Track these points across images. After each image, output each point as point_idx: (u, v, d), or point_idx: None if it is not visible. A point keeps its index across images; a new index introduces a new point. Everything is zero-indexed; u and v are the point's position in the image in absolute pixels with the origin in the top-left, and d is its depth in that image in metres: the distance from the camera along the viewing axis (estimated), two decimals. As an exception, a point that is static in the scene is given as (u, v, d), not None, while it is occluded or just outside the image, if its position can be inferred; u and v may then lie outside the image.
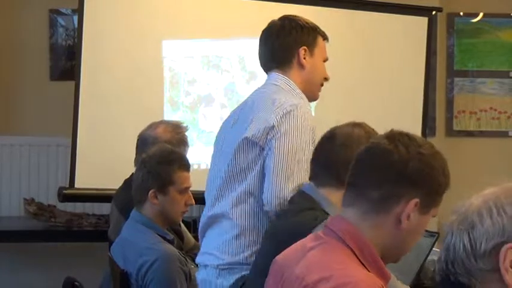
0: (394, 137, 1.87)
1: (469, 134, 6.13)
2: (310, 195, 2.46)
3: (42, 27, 5.69)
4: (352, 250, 1.83)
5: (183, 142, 3.76)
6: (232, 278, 2.68)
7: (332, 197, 2.37)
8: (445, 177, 1.89)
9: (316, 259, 1.85)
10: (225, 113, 3.75)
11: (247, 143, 2.55)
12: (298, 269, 1.86)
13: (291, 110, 2.60)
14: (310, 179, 2.53)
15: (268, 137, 2.57)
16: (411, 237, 1.98)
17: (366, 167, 1.93)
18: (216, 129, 3.41)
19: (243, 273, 2.63)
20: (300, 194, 2.58)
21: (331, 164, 2.40)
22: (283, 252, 2.02)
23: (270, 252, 2.33)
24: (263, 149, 2.59)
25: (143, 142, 3.66)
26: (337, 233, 1.85)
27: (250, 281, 2.55)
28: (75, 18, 5.10)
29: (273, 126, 2.58)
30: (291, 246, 2.00)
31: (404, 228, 1.84)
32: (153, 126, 3.77)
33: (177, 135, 3.75)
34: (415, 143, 1.83)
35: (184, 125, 3.96)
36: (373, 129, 2.40)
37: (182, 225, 3.84)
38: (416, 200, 1.80)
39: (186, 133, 3.89)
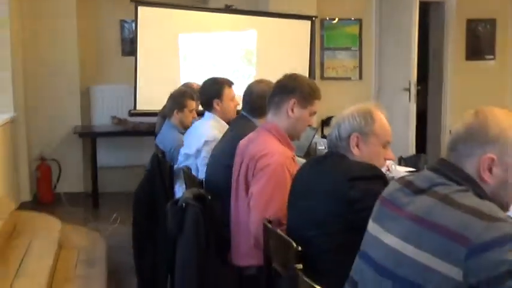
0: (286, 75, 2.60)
1: (332, 78, 7.84)
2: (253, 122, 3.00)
3: (116, 29, 7.21)
4: (274, 136, 2.58)
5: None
6: None
7: (261, 121, 2.89)
8: (312, 89, 2.65)
9: (259, 141, 2.61)
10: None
11: None
12: (250, 148, 2.62)
13: None
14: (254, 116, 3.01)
15: None
16: (299, 123, 2.64)
17: (271, 97, 2.67)
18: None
19: None
20: (246, 122, 3.07)
21: (256, 108, 2.98)
22: (241, 140, 2.77)
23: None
24: None
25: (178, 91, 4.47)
26: (266, 127, 2.67)
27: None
28: (133, 24, 6.40)
29: None
30: (245, 137, 2.73)
31: (292, 117, 2.58)
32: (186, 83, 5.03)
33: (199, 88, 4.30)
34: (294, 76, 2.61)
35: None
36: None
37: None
38: (294, 99, 2.54)
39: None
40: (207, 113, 3.78)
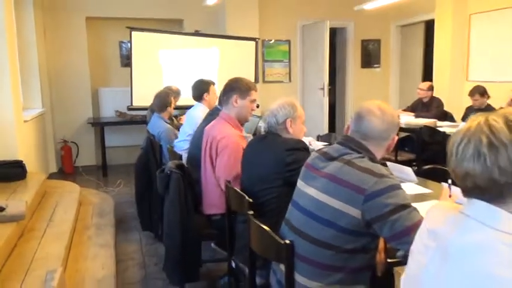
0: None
1: (271, 82, 7.67)
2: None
3: (115, 47, 7.06)
4: (228, 122, 2.62)
5: (180, 92, 4.90)
6: None
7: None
8: (248, 84, 2.64)
9: (218, 127, 2.62)
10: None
11: None
12: (212, 132, 2.63)
13: None
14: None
15: None
16: (243, 110, 2.63)
17: (221, 96, 2.68)
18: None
19: None
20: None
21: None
22: (207, 126, 2.73)
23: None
24: None
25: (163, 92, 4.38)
26: (222, 116, 2.66)
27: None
28: (129, 44, 6.16)
29: None
30: (208, 124, 2.71)
31: (237, 106, 2.61)
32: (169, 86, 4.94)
33: (177, 89, 4.87)
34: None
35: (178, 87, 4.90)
36: None
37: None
38: (236, 94, 2.60)
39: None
40: (197, 103, 3.85)
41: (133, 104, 6.23)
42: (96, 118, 6.82)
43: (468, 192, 0.95)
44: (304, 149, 2.08)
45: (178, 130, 3.96)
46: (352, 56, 8.26)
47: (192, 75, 6.00)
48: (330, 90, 7.73)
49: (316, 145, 3.53)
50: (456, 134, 0.96)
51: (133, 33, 6.09)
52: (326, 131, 7.33)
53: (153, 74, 6.33)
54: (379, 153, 1.62)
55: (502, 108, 4.70)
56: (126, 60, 6.86)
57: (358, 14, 7.44)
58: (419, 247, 1.04)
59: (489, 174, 0.89)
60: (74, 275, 2.88)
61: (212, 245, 3.11)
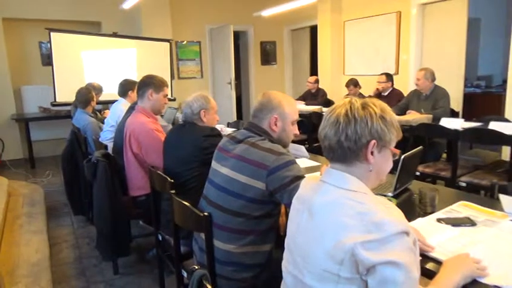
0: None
1: (185, 78, 7.41)
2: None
3: (36, 48, 6.36)
4: (144, 114, 2.55)
5: (101, 88, 4.67)
6: None
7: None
8: (161, 81, 2.54)
9: (136, 119, 2.53)
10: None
11: None
12: (131, 123, 2.50)
13: None
14: None
15: None
16: (157, 103, 2.57)
17: (138, 91, 2.56)
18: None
19: None
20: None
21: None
22: (127, 119, 2.61)
23: None
24: None
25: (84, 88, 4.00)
26: (137, 110, 2.56)
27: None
28: (48, 44, 5.64)
29: None
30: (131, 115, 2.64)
31: (152, 100, 2.52)
32: (91, 83, 4.61)
33: (99, 86, 4.63)
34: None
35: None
36: None
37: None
38: (151, 89, 2.52)
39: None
40: (121, 99, 3.66)
41: (57, 100, 5.78)
42: (19, 114, 6.19)
43: (325, 152, 1.03)
44: (218, 135, 2.08)
45: (103, 123, 3.78)
46: (253, 55, 8.32)
47: (112, 73, 6.01)
48: (236, 84, 7.73)
49: (226, 131, 3.54)
50: (330, 107, 1.05)
51: (52, 34, 5.64)
52: (234, 118, 7.40)
53: (74, 72, 5.89)
54: (275, 133, 1.63)
55: (370, 96, 5.10)
56: (47, 60, 6.24)
57: (257, 20, 7.65)
58: (293, 211, 1.11)
59: (338, 138, 0.97)
60: (8, 260, 2.64)
61: (140, 222, 3.05)
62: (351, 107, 0.99)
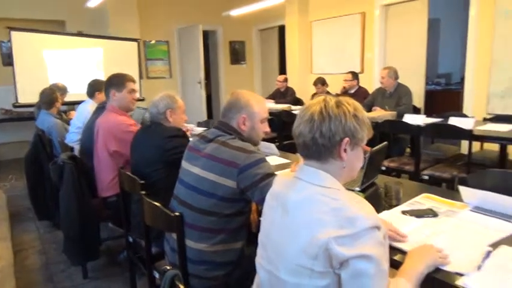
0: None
1: (154, 78, 7.33)
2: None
3: None
4: (115, 112, 2.49)
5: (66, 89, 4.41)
6: None
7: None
8: (123, 76, 2.48)
9: (109, 118, 2.47)
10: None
11: None
12: (106, 122, 2.45)
13: None
14: None
15: None
16: (124, 100, 2.50)
17: (105, 92, 2.52)
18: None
19: None
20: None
21: None
22: (98, 119, 2.57)
23: None
24: None
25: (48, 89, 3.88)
26: (108, 109, 2.49)
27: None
28: (9, 43, 5.47)
29: None
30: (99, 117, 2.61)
31: (116, 99, 2.50)
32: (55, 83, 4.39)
33: (63, 86, 4.38)
34: None
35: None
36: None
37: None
38: (113, 89, 2.46)
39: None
40: (88, 99, 3.53)
41: (19, 102, 5.54)
42: (-20, 117, 5.91)
43: (300, 149, 1.04)
44: (183, 136, 2.04)
45: (68, 124, 3.65)
46: (223, 54, 8.29)
47: (78, 73, 5.82)
48: (206, 83, 7.69)
49: (197, 130, 3.51)
50: (305, 105, 1.06)
51: (13, 33, 5.43)
52: (205, 118, 7.38)
53: (37, 73, 5.65)
54: (245, 131, 1.61)
55: (337, 94, 5.20)
56: (8, 59, 5.98)
57: (225, 20, 7.62)
58: (267, 208, 1.12)
59: (312, 135, 0.99)
60: (-32, 270, 2.49)
61: (109, 224, 2.97)
62: (325, 105, 1.00)
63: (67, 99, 4.57)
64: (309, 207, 0.97)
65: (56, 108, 3.79)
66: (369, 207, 0.95)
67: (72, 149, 2.89)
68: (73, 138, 3.36)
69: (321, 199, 0.96)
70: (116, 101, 2.53)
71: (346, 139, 0.99)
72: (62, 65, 5.83)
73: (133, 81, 2.60)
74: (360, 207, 0.93)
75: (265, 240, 1.08)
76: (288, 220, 1.00)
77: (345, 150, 1.00)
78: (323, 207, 0.94)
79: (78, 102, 3.75)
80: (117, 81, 2.51)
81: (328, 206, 0.94)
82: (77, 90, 4.91)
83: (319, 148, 1.00)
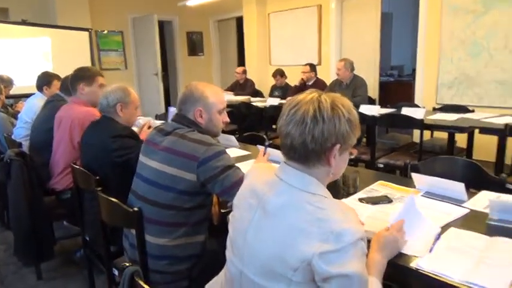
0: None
1: (108, 69, 6.92)
2: None
3: None
4: (80, 104, 2.38)
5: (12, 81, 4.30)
6: None
7: (71, 98, 2.52)
8: (92, 71, 2.46)
9: (74, 110, 2.34)
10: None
11: None
12: (70, 113, 2.34)
13: None
14: None
15: None
16: (92, 95, 2.38)
17: (70, 85, 2.45)
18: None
19: None
20: (60, 99, 2.77)
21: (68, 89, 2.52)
22: (58, 112, 2.47)
23: None
24: None
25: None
26: (73, 101, 2.43)
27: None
28: None
29: None
30: (59, 111, 2.50)
31: (85, 93, 2.40)
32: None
33: (8, 78, 4.25)
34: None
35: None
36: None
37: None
38: (82, 83, 2.38)
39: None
40: (37, 92, 3.35)
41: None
42: None
43: (285, 150, 0.97)
44: (130, 136, 1.95)
45: (15, 118, 3.45)
46: (180, 45, 8.16)
47: (24, 64, 5.49)
48: (163, 75, 7.55)
49: (155, 123, 3.42)
50: (292, 99, 0.98)
51: None
52: (163, 110, 7.23)
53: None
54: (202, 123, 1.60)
55: (296, 85, 5.26)
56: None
57: (181, 10, 7.43)
58: (245, 205, 1.04)
59: (303, 139, 0.92)
60: None
61: (64, 222, 2.85)
62: (319, 107, 0.92)
63: (12, 92, 4.32)
64: (292, 214, 0.91)
65: (1, 101, 3.58)
66: (353, 215, 0.91)
67: (20, 144, 2.74)
68: (20, 133, 3.17)
69: (305, 207, 0.91)
70: (85, 95, 2.41)
71: (338, 145, 0.93)
72: (6, 55, 5.49)
73: (102, 75, 2.51)
74: (345, 218, 0.89)
75: (240, 238, 1.03)
76: (268, 224, 0.95)
77: (334, 157, 0.94)
78: (307, 216, 0.89)
79: (26, 95, 3.60)
80: (87, 75, 2.41)
81: (313, 216, 0.89)
82: (24, 83, 4.63)
83: (308, 152, 0.93)
